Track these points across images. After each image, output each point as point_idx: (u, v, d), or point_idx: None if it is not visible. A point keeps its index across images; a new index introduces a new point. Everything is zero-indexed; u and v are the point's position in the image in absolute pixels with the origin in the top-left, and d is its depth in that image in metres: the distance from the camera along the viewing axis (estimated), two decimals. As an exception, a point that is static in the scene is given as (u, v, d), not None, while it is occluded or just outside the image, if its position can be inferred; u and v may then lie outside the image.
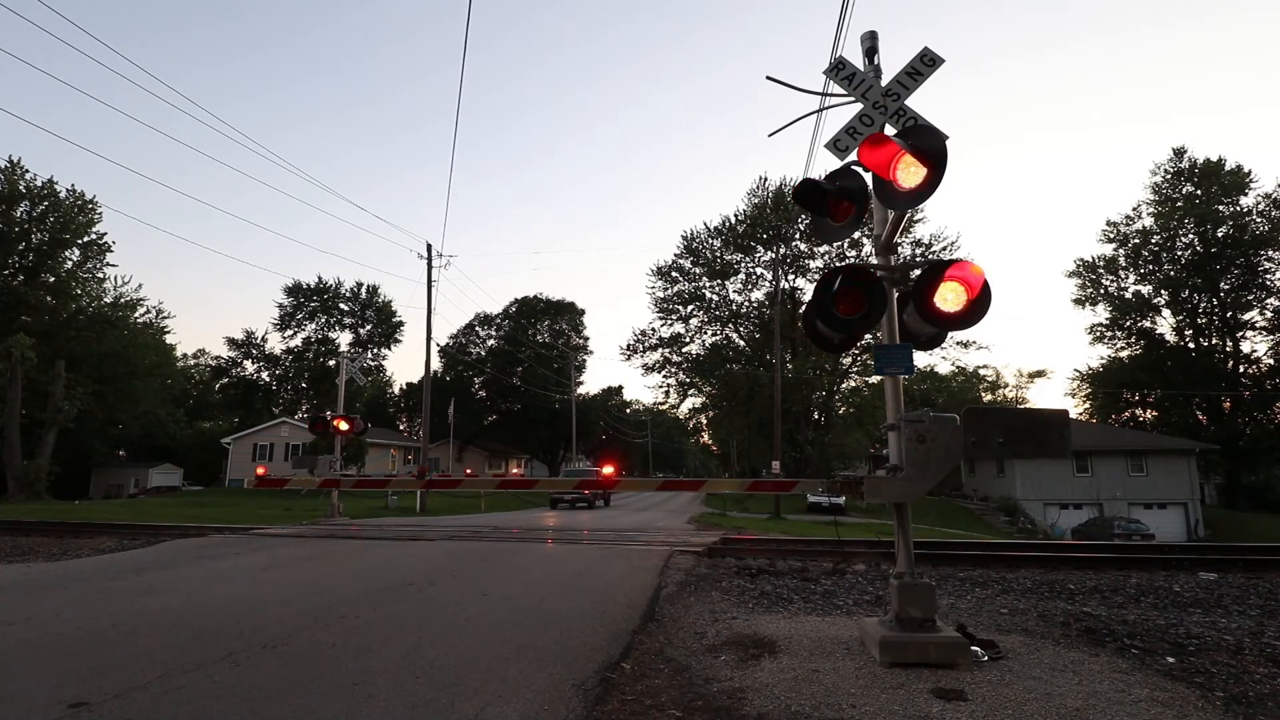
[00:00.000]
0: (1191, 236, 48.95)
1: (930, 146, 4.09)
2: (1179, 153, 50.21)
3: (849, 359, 45.31)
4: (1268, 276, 47.28)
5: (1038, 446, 4.25)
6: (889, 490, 4.43)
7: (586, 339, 70.57)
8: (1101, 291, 53.36)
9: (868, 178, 4.58)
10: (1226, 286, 48.35)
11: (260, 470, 8.20)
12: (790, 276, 48.94)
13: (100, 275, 46.83)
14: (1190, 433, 44.97)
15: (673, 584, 7.21)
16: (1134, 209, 52.73)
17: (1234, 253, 47.22)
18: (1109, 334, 53.74)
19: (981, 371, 68.75)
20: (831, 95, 5.44)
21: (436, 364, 58.78)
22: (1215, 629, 5.33)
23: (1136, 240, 51.36)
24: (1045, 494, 37.72)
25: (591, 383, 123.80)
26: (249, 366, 62.54)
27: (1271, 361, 48.30)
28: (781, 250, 47.66)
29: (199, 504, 29.94)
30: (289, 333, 61.61)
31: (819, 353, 41.31)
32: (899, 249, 5.75)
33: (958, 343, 46.35)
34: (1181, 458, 37.63)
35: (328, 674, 3.96)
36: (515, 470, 76.04)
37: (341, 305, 62.88)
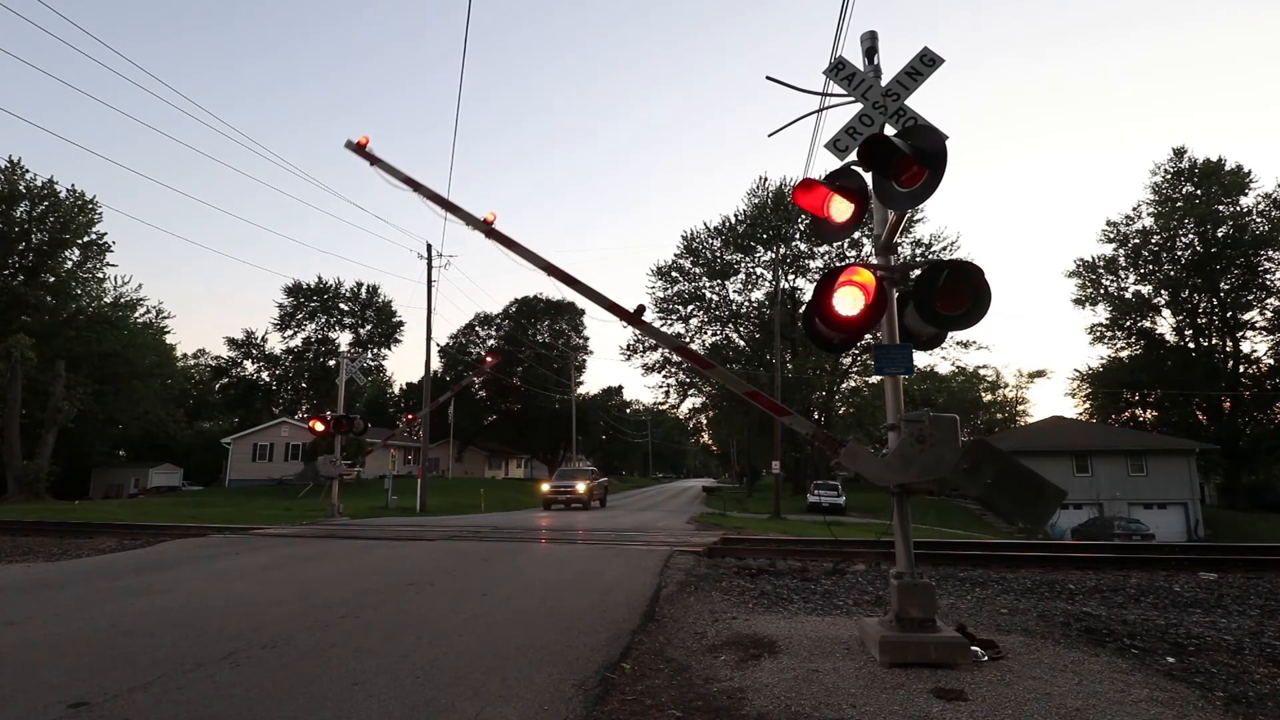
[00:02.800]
0: (1191, 236, 48.93)
1: (930, 146, 4.09)
2: (1179, 153, 50.20)
3: (849, 359, 45.38)
4: (1268, 276, 47.28)
5: (1017, 506, 4.08)
6: (864, 464, 4.41)
7: (586, 339, 70.50)
8: (1101, 291, 53.35)
9: (868, 178, 4.58)
10: (1226, 286, 48.34)
11: (363, 139, 7.94)
12: (790, 276, 49.01)
13: (100, 275, 46.89)
14: (1190, 433, 44.95)
15: (673, 584, 7.21)
16: (1134, 209, 52.76)
17: (1234, 253, 47.19)
18: (1109, 334, 53.74)
19: (981, 371, 68.79)
20: (831, 95, 5.44)
21: (436, 364, 58.75)
22: (1215, 629, 5.33)
23: (1136, 240, 51.34)
24: (1045, 494, 37.70)
25: (591, 383, 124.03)
26: (249, 366, 62.59)
27: (1271, 361, 48.29)
28: (781, 250, 47.69)
29: (199, 504, 29.95)
30: (289, 333, 61.66)
31: (819, 353, 41.31)
32: (899, 249, 5.76)
33: (958, 343, 46.46)
34: (1181, 458, 37.61)
35: (327, 674, 3.96)
36: (516, 470, 76.07)
37: (341, 305, 62.90)
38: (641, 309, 5.92)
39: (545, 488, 29.32)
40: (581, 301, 5.28)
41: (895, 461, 4.33)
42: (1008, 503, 4.08)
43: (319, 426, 17.71)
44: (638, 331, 48.91)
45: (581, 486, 27.26)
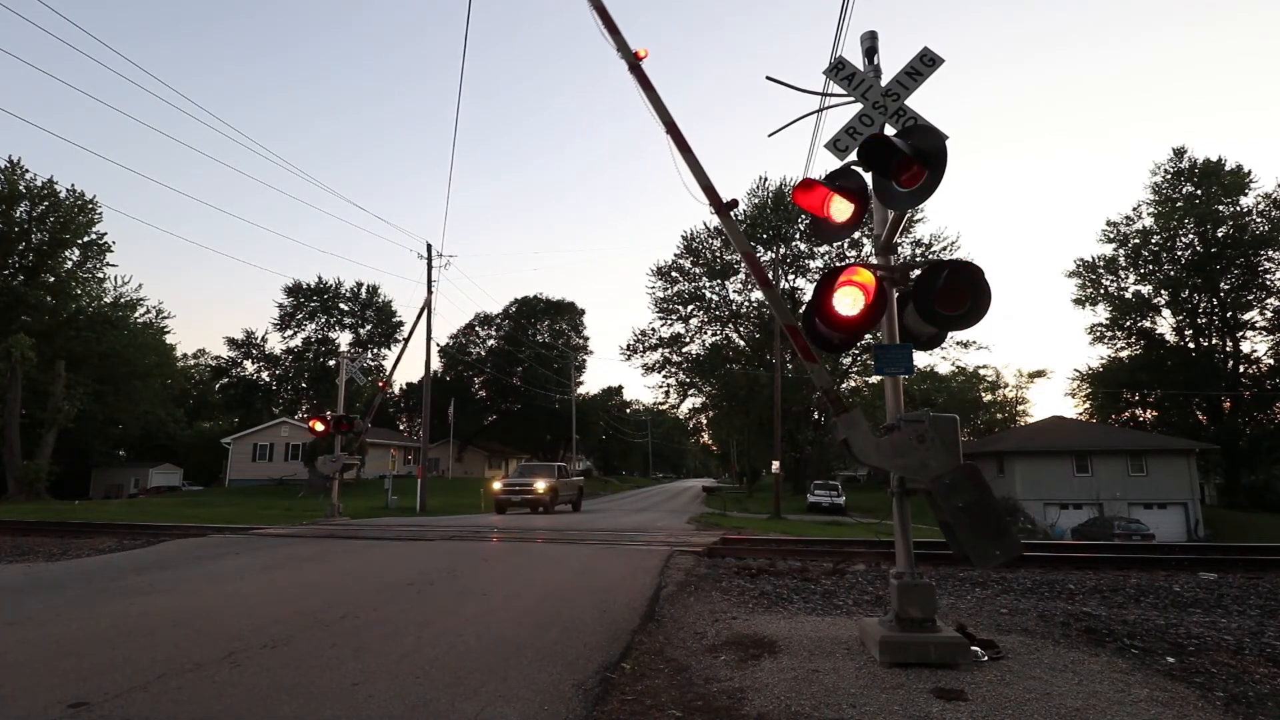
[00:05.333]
0: (1191, 236, 48.92)
1: (930, 146, 4.09)
2: (1179, 153, 50.18)
3: (849, 359, 45.38)
4: (1268, 276, 47.27)
5: (974, 539, 4.05)
6: (857, 436, 4.38)
7: (586, 339, 70.64)
8: (1101, 291, 53.34)
9: (868, 178, 4.58)
10: (1226, 286, 48.32)
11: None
12: (790, 276, 49.00)
13: (100, 275, 46.90)
14: (1190, 433, 44.94)
15: (673, 584, 7.21)
16: (1134, 209, 52.73)
17: (1234, 253, 47.18)
18: (1109, 334, 53.72)
19: (981, 371, 68.74)
20: (831, 95, 5.45)
21: (436, 364, 58.76)
22: (1215, 629, 5.33)
23: (1136, 240, 51.33)
24: (1045, 494, 37.70)
25: (591, 383, 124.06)
26: (249, 366, 62.66)
27: (1271, 361, 48.29)
28: (781, 250, 47.73)
29: (199, 504, 29.97)
30: (289, 333, 61.78)
31: (819, 352, 41.26)
32: (899, 249, 5.74)
33: (958, 343, 46.50)
34: (1181, 458, 37.59)
35: (328, 674, 3.96)
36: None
37: (341, 305, 62.98)
38: (734, 202, 5.78)
39: (496, 486, 24.13)
40: (684, 175, 5.22)
41: (886, 447, 4.34)
42: (968, 531, 4.08)
43: (319, 426, 17.70)
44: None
45: (541, 485, 22.70)
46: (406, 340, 26.92)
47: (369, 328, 63.50)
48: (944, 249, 44.96)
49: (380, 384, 22.53)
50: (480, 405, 67.70)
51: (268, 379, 63.02)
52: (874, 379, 45.93)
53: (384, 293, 64.60)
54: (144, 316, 51.07)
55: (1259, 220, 47.11)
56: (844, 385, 50.85)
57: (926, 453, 4.22)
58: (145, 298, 55.03)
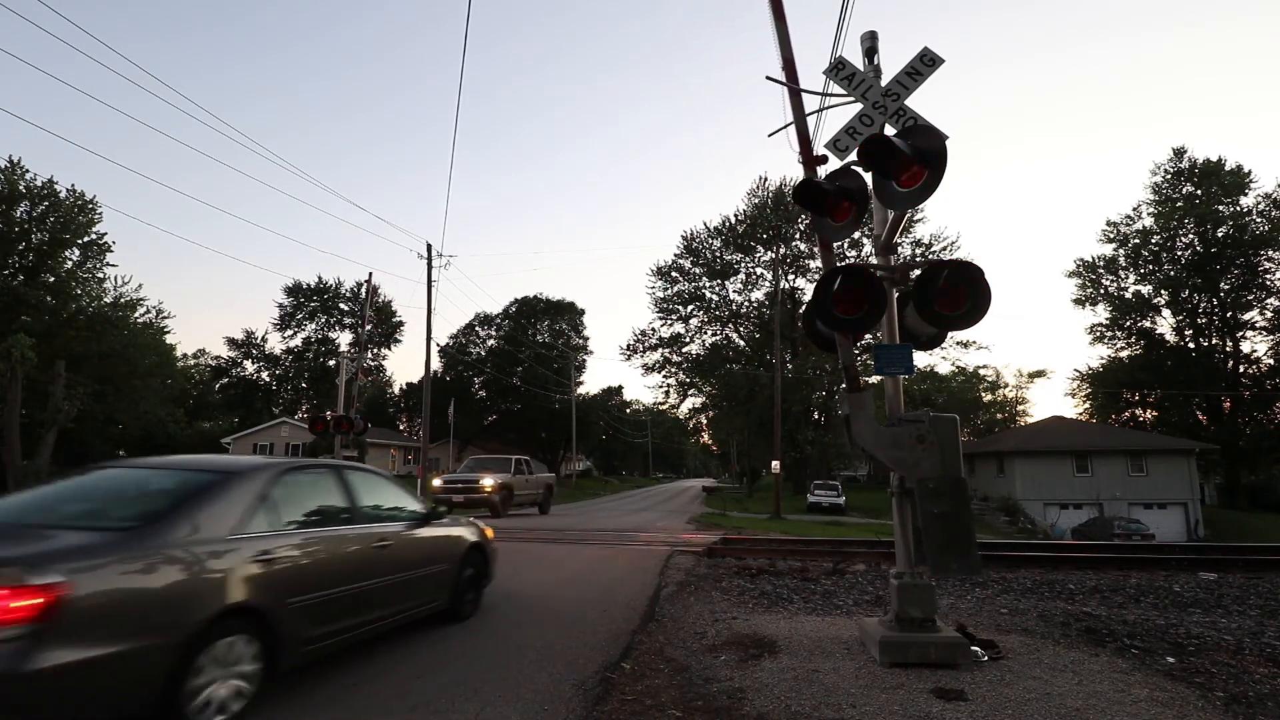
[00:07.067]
0: (1191, 236, 48.89)
1: (930, 146, 4.09)
2: (1179, 153, 50.15)
3: (849, 359, 45.31)
4: (1268, 276, 47.20)
5: (939, 546, 4.12)
6: (859, 417, 4.41)
7: (586, 339, 70.48)
8: (1101, 291, 53.28)
9: (868, 178, 4.58)
10: (1226, 286, 48.28)
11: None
12: (790, 276, 48.96)
13: (100, 275, 46.79)
14: (1190, 433, 44.90)
15: (673, 584, 7.22)
16: (1134, 209, 52.63)
17: (1234, 253, 47.14)
18: (1109, 334, 53.66)
19: (981, 371, 68.70)
20: (831, 95, 5.45)
21: (436, 364, 58.87)
22: (1215, 629, 5.33)
23: (1136, 240, 51.29)
24: (1045, 494, 37.69)
25: (591, 383, 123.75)
26: (249, 366, 62.65)
27: (1271, 361, 48.24)
28: (781, 250, 47.69)
29: (199, 504, 29.84)
30: (289, 333, 61.74)
31: (819, 353, 41.29)
32: (899, 249, 5.72)
33: (958, 343, 46.38)
34: (1181, 458, 37.58)
35: (329, 675, 3.96)
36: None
37: (341, 305, 62.98)
38: (824, 158, 5.19)
39: (436, 483, 20.06)
40: (788, 116, 5.13)
41: (885, 437, 4.36)
42: (935, 537, 4.13)
43: (320, 427, 17.68)
44: (639, 329, 47.87)
45: (488, 482, 18.72)
46: (368, 302, 27.05)
47: (369, 328, 63.48)
48: (944, 249, 44.95)
49: (360, 374, 22.22)
50: (480, 405, 67.66)
51: (268, 379, 63.03)
52: (874, 379, 45.94)
53: (384, 293, 64.66)
54: (144, 316, 50.96)
55: (1259, 220, 47.06)
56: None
57: (922, 453, 4.23)
58: (145, 298, 54.65)
